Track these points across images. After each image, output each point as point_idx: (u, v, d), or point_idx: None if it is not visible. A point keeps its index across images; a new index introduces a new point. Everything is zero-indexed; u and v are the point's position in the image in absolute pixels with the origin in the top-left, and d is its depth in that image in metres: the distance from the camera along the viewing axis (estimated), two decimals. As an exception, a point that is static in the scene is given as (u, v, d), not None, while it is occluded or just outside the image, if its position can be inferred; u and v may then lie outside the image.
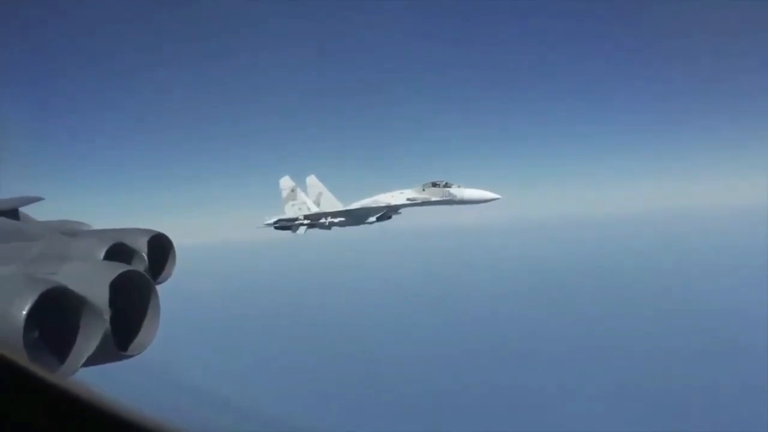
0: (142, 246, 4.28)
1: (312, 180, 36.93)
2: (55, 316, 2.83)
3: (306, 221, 34.34)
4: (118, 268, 3.27)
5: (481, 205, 30.39)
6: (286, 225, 34.89)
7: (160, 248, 4.45)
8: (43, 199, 5.47)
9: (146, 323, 3.46)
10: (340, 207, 34.96)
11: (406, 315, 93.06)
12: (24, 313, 2.60)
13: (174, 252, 4.55)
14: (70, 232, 4.47)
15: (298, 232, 34.45)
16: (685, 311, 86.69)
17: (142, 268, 4.13)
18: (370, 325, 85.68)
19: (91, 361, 2.98)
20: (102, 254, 3.93)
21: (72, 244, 3.99)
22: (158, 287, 3.54)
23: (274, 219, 35.27)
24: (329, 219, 33.93)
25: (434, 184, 31.24)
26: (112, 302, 3.08)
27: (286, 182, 36.29)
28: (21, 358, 2.26)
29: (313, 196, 36.18)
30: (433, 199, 31.06)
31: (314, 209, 35.24)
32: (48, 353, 2.83)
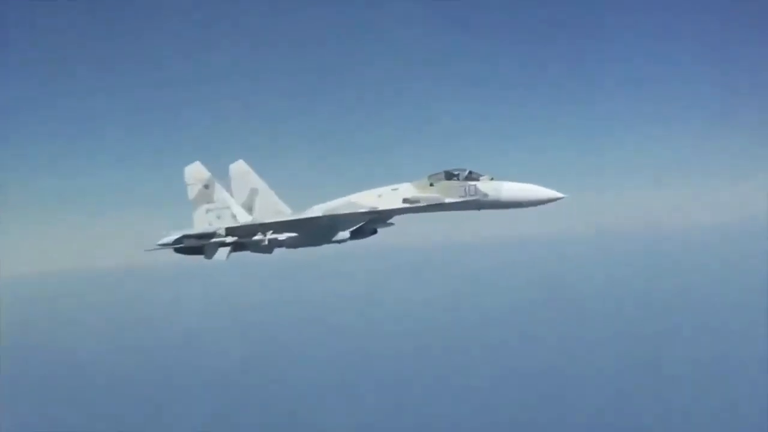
0: None
1: (239, 168, 28.77)
2: None
3: (230, 238, 26.42)
4: None
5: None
6: (195, 245, 27.14)
7: None
8: None
9: None
10: (289, 214, 27.30)
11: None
12: None
13: None
14: None
15: (216, 257, 26.79)
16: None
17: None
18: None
19: None
20: None
21: None
22: None
23: (176, 235, 27.59)
24: (270, 234, 25.90)
25: (449, 176, 23.79)
26: None
27: (196, 172, 28.35)
28: None
29: (242, 195, 28.20)
30: (448, 200, 23.62)
31: (244, 218, 27.42)
32: None
